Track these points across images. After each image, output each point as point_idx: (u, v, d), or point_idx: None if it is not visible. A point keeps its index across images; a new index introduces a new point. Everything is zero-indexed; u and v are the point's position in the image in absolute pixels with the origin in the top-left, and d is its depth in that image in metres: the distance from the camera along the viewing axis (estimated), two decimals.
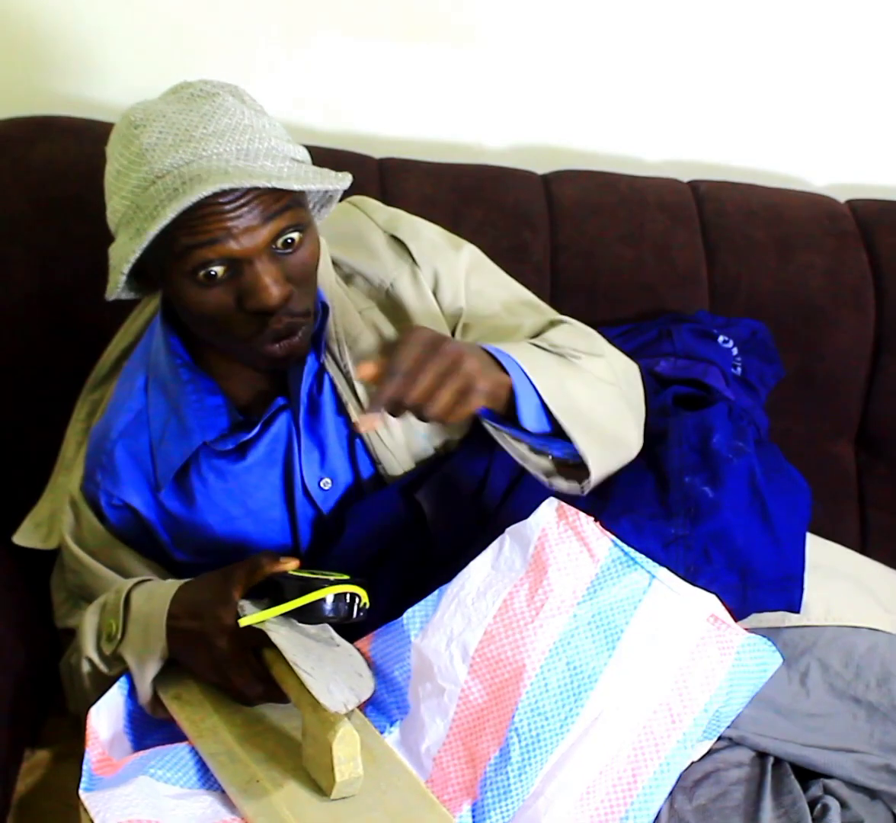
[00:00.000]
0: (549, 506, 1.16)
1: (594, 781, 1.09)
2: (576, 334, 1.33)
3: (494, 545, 1.16)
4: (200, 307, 1.17)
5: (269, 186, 1.11)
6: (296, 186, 1.12)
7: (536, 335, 1.33)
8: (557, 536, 1.15)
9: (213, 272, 1.14)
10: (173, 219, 1.09)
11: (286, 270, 1.16)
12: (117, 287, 1.15)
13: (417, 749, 1.13)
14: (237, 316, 1.17)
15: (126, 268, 1.13)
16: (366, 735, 1.08)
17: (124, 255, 1.13)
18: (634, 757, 1.10)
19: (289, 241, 1.16)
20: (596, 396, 1.25)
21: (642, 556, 1.15)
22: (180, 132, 1.12)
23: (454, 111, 1.78)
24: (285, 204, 1.14)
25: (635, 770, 1.10)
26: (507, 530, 1.16)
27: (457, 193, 1.65)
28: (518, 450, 1.22)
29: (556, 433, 1.20)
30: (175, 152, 1.11)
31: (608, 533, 1.16)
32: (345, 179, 1.18)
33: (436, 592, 1.15)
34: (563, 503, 1.17)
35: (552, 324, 1.35)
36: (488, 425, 1.21)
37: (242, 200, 1.12)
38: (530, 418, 1.19)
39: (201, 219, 1.10)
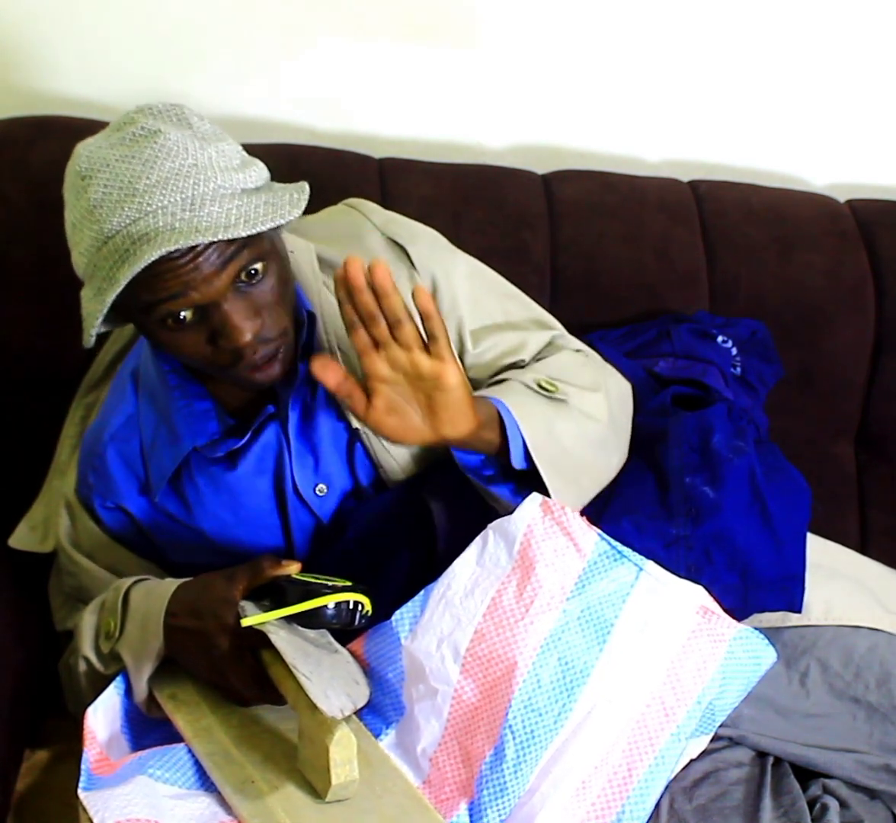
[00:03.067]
0: (533, 502, 1.16)
1: (589, 776, 1.10)
2: (575, 363, 1.34)
3: (478, 540, 1.16)
4: (175, 348, 1.17)
5: (215, 239, 1.09)
6: (243, 233, 1.09)
7: (540, 356, 1.35)
8: (543, 531, 1.15)
9: (182, 317, 1.13)
10: (131, 279, 1.08)
11: (254, 300, 1.15)
12: (91, 339, 1.14)
13: (414, 750, 1.14)
14: (213, 351, 1.16)
15: (93, 331, 1.12)
16: (361, 740, 1.08)
17: (91, 312, 1.13)
18: (629, 752, 1.11)
19: (252, 272, 1.14)
20: (582, 436, 1.27)
21: (629, 549, 1.15)
22: (124, 185, 1.09)
23: (454, 111, 1.78)
24: (240, 243, 1.12)
25: (630, 765, 1.11)
26: (490, 525, 1.16)
27: (457, 193, 1.65)
28: (490, 498, 1.24)
29: (535, 473, 1.22)
30: (121, 209, 1.09)
31: (594, 527, 1.16)
32: (299, 204, 1.14)
33: (422, 591, 1.15)
34: (548, 499, 1.17)
35: (553, 343, 1.37)
36: (472, 479, 1.23)
37: (196, 251, 1.10)
38: (516, 459, 1.21)
39: (157, 277, 1.09)
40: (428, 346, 1.11)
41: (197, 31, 1.69)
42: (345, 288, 1.09)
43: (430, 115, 1.78)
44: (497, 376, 1.34)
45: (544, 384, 1.25)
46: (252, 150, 1.19)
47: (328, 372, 1.12)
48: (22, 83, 1.69)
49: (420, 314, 1.10)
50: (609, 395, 1.33)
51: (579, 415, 1.27)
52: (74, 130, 1.56)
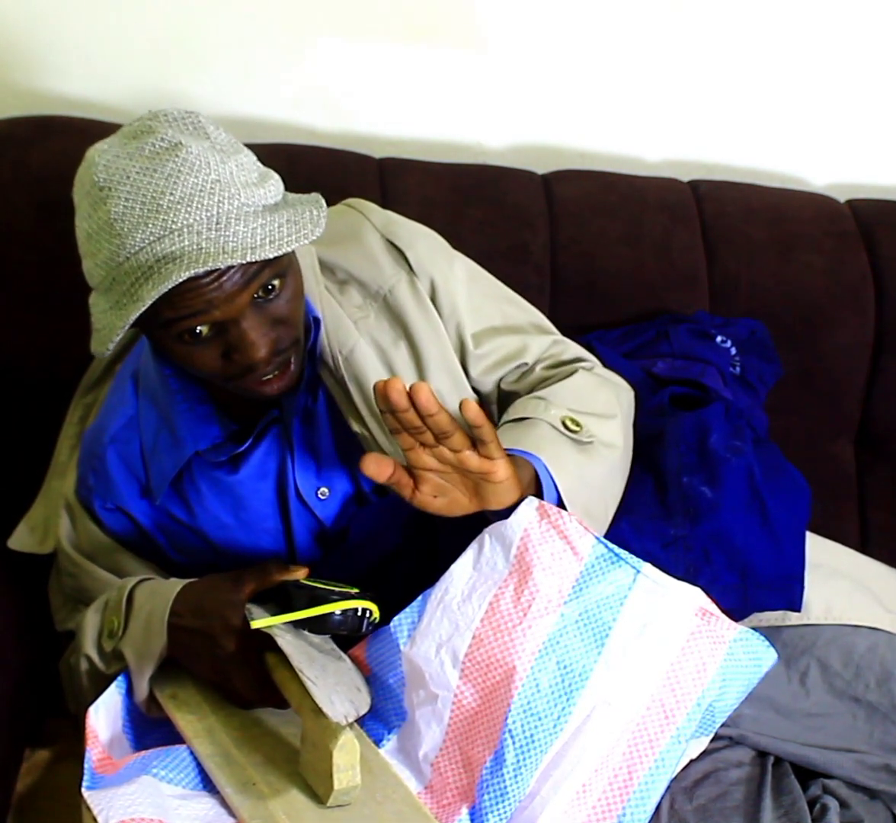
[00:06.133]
0: (530, 505, 1.16)
1: (590, 779, 1.10)
2: (590, 385, 1.34)
3: (474, 545, 1.16)
4: (187, 361, 1.16)
5: (242, 262, 1.08)
6: (270, 254, 1.09)
7: (542, 360, 1.35)
8: (540, 535, 1.15)
9: (198, 331, 1.13)
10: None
11: (270, 314, 1.15)
12: (107, 351, 1.13)
13: (416, 756, 1.14)
14: (226, 365, 1.16)
15: (111, 345, 1.11)
16: (362, 747, 1.08)
17: (109, 326, 1.12)
18: (629, 754, 1.11)
19: (270, 287, 1.14)
20: (608, 473, 1.27)
21: (626, 552, 1.15)
22: (147, 201, 1.08)
23: (454, 111, 1.78)
24: (263, 262, 1.12)
25: (631, 767, 1.11)
26: (486, 529, 1.16)
27: (457, 193, 1.65)
28: None
29: None
30: (144, 226, 1.08)
31: (591, 530, 1.16)
32: (319, 222, 1.14)
33: (420, 597, 1.15)
34: (544, 502, 1.17)
35: (554, 349, 1.37)
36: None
37: (220, 271, 1.09)
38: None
39: (181, 295, 1.09)
40: (476, 445, 1.11)
41: (197, 32, 1.69)
42: (387, 404, 1.08)
43: (430, 115, 1.78)
44: (502, 380, 1.34)
45: (569, 424, 1.24)
46: (252, 149, 1.19)
47: (382, 469, 1.11)
48: (22, 83, 1.69)
49: (470, 425, 1.09)
50: (624, 416, 1.33)
51: (603, 449, 1.27)
52: (75, 130, 1.57)
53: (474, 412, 1.08)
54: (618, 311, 1.65)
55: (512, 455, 1.18)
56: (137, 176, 1.09)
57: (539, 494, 1.19)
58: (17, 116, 1.62)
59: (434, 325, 1.31)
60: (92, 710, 1.15)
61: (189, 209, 1.08)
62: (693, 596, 1.15)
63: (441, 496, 1.14)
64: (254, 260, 1.08)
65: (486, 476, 1.12)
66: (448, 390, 1.31)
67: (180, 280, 1.06)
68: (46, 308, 1.54)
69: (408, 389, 1.06)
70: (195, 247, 1.08)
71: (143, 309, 1.08)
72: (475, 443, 1.11)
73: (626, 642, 1.12)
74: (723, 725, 1.19)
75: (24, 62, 1.68)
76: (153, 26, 1.68)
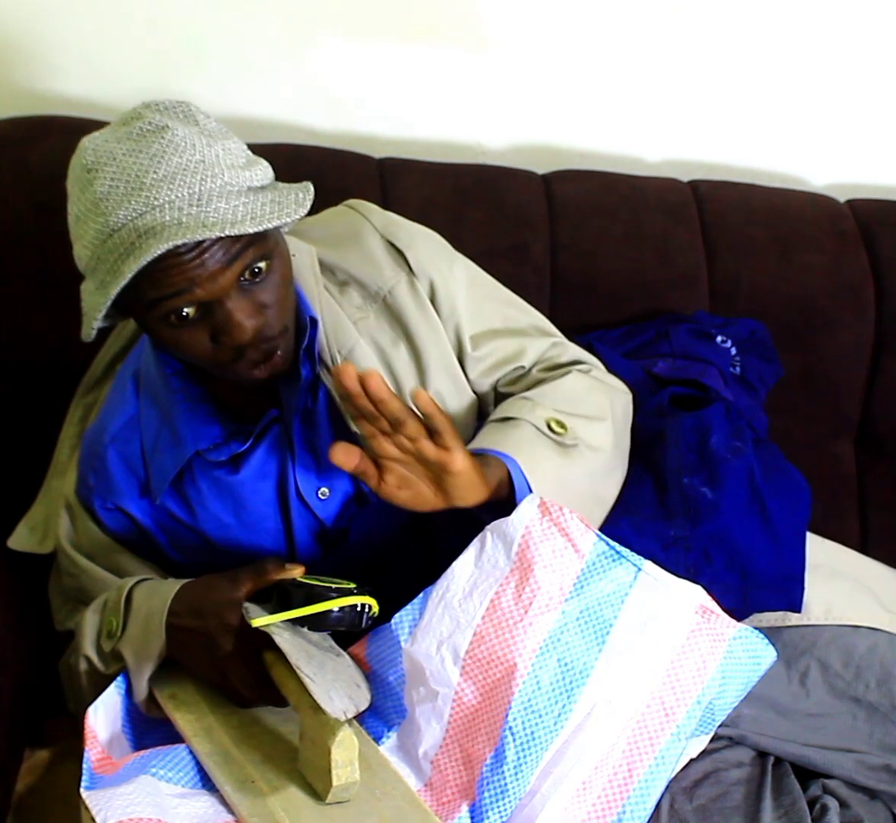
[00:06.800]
0: (531, 503, 1.16)
1: (590, 776, 1.10)
2: (582, 387, 1.34)
3: (475, 542, 1.16)
4: (176, 345, 1.17)
5: (222, 235, 1.09)
6: (250, 229, 1.10)
7: (539, 363, 1.35)
8: (541, 532, 1.15)
9: (184, 313, 1.13)
10: (136, 273, 1.08)
11: (257, 298, 1.15)
12: (92, 333, 1.14)
13: (416, 753, 1.14)
14: (214, 348, 1.16)
15: (95, 324, 1.12)
16: (361, 743, 1.08)
17: (94, 306, 1.13)
18: (629, 752, 1.11)
19: (256, 270, 1.14)
20: (591, 475, 1.27)
21: (627, 549, 1.15)
22: (131, 179, 1.09)
23: (454, 111, 1.78)
24: (247, 241, 1.12)
25: (631, 765, 1.11)
26: (488, 526, 1.16)
27: (457, 194, 1.65)
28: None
29: None
30: (127, 203, 1.09)
31: (592, 528, 1.16)
32: (304, 203, 1.15)
33: (421, 594, 1.16)
34: (545, 499, 1.17)
35: (552, 351, 1.37)
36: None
37: (202, 247, 1.10)
38: None
39: (163, 271, 1.10)
40: (433, 437, 1.12)
41: (198, 31, 1.70)
42: (341, 389, 1.10)
43: (430, 115, 1.78)
44: (498, 382, 1.34)
45: (554, 426, 1.25)
46: (252, 149, 1.19)
47: (349, 458, 1.13)
48: (22, 83, 1.69)
49: (423, 415, 1.11)
50: (615, 419, 1.33)
51: (588, 452, 1.27)
52: (74, 130, 1.55)
53: (425, 401, 1.10)
54: (618, 311, 1.65)
55: (487, 455, 1.19)
56: (123, 157, 1.10)
57: (512, 495, 1.19)
58: (16, 116, 1.62)
59: (433, 326, 1.31)
60: (91, 710, 1.15)
61: (171, 186, 1.09)
62: (694, 594, 1.16)
63: (406, 488, 1.15)
64: (233, 234, 1.09)
65: (443, 466, 1.13)
66: (448, 391, 1.31)
67: (159, 252, 1.07)
68: (46, 308, 1.54)
69: (360, 375, 1.08)
70: (175, 222, 1.08)
71: (124, 284, 1.08)
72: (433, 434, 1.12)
73: (627, 639, 1.12)
74: (723, 725, 1.19)
75: (24, 62, 1.68)
76: (153, 26, 1.68)
